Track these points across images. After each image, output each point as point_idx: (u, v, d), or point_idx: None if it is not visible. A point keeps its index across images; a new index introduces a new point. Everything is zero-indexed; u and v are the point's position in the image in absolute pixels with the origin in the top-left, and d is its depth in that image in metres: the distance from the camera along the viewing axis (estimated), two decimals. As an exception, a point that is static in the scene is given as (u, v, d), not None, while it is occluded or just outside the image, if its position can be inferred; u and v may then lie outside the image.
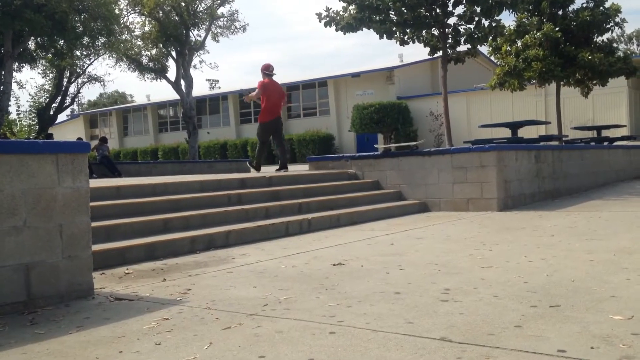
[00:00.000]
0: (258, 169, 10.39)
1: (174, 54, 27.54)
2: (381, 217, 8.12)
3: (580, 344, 2.50)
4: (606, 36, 17.75)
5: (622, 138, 16.80)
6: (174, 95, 30.60)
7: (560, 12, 17.39)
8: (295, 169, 17.80)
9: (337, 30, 13.23)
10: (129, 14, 26.33)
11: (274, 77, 10.47)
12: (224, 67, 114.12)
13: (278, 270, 4.54)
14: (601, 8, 16.98)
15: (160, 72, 28.20)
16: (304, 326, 2.97)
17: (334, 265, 4.67)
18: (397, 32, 13.35)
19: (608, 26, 17.10)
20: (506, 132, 13.86)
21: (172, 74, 28.08)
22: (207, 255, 5.38)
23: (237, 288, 3.96)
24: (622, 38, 57.05)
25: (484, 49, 18.09)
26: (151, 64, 28.16)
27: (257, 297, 3.66)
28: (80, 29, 20.76)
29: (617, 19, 17.05)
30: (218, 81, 53.27)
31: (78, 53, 24.11)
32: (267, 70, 10.24)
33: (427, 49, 14.17)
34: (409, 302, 3.38)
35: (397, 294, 3.58)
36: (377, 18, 12.91)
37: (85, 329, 3.11)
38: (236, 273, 4.50)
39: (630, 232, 5.80)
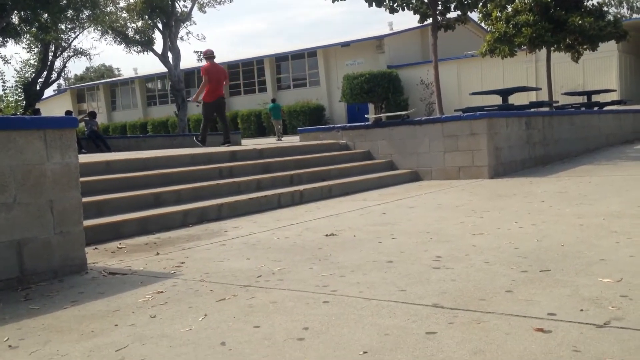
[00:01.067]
0: (204, 144, 11.19)
1: (160, 25, 27.11)
2: (373, 187, 8.14)
3: (570, 307, 2.54)
4: (596, 0, 17.64)
5: (612, 103, 16.84)
6: (162, 68, 30.24)
7: (550, -24, 17.21)
8: (286, 140, 17.76)
9: (325, -2, 13.06)
10: (113, -15, 25.80)
11: (215, 60, 11.46)
12: (211, 38, 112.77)
13: (271, 242, 4.56)
14: (591, -29, 16.84)
15: (146, 44, 27.79)
16: (298, 296, 2.99)
17: (326, 235, 4.69)
18: None
19: (598, -11, 16.99)
20: (497, 99, 13.85)
21: (159, 46, 27.69)
22: (199, 229, 5.39)
23: (230, 260, 3.97)
24: (612, 2, 56.69)
25: (474, 15, 17.95)
26: (137, 37, 27.72)
27: (250, 268, 3.68)
28: (64, 1, 20.35)
29: (608, -18, 16.91)
30: (206, 53, 52.45)
31: (62, 26, 23.68)
32: (207, 54, 11.29)
33: (417, 17, 14.02)
34: (402, 270, 3.41)
35: (390, 263, 3.61)
36: (366, -15, 12.74)
37: (79, 303, 3.12)
38: (229, 245, 4.51)
39: (620, 196, 5.85)
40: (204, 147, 10.65)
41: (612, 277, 2.96)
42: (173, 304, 3.00)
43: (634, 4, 61.78)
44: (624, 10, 60.93)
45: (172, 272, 3.71)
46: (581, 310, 2.49)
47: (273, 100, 26.36)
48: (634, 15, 56.91)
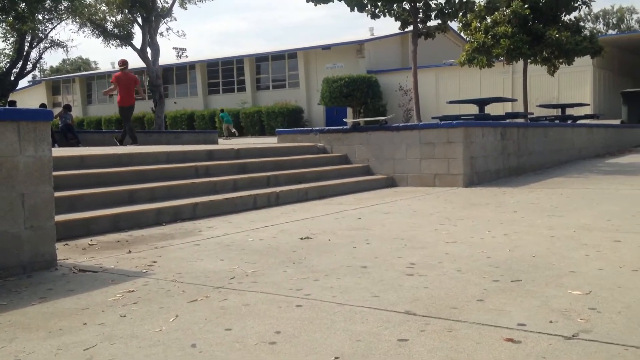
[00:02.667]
0: (135, 142, 12.83)
1: (139, 20, 26.80)
2: (349, 191, 8.16)
3: (540, 318, 2.58)
4: (574, 15, 17.95)
5: (586, 117, 17.16)
6: (140, 64, 29.88)
7: (529, -10, 17.47)
8: (263, 141, 17.70)
9: (307, 1, 13.06)
10: (93, -23, 25.45)
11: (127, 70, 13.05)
12: (192, 35, 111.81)
13: (245, 243, 4.54)
14: (569, -14, 17.12)
15: (125, 38, 27.45)
16: (271, 299, 2.98)
17: (301, 239, 4.68)
18: (369, 5, 13.23)
19: (576, 4, 17.26)
20: (474, 109, 14.00)
21: (138, 41, 27.37)
22: (173, 228, 5.34)
23: (203, 261, 3.94)
24: (589, 17, 57.83)
25: (454, 24, 18.12)
26: (116, 30, 27.36)
27: (224, 270, 3.66)
28: (43, -9, 20.01)
29: (585, -2, 17.22)
30: (185, 50, 52.18)
31: (40, 17, 23.28)
32: (120, 64, 13.01)
33: (398, 23, 14.10)
34: (375, 276, 3.42)
35: (364, 268, 3.62)
36: (349, -10, 12.77)
37: (48, 300, 3.06)
38: (203, 246, 4.48)
39: (591, 209, 5.97)
40: (137, 145, 12.06)
41: (581, 289, 3.01)
42: (144, 303, 2.96)
43: (610, 21, 63.15)
44: (600, 26, 62.26)
45: (144, 271, 3.67)
46: (550, 321, 2.52)
47: (222, 110, 31.77)
48: (610, 31, 58.20)
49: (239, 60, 37.72)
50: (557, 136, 12.04)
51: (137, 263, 3.90)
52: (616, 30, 60.59)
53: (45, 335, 2.53)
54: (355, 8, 13.03)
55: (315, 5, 13.12)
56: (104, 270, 3.72)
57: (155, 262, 3.92)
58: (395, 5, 13.46)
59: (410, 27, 13.86)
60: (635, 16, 63.69)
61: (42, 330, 2.59)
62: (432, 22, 14.05)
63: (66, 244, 4.51)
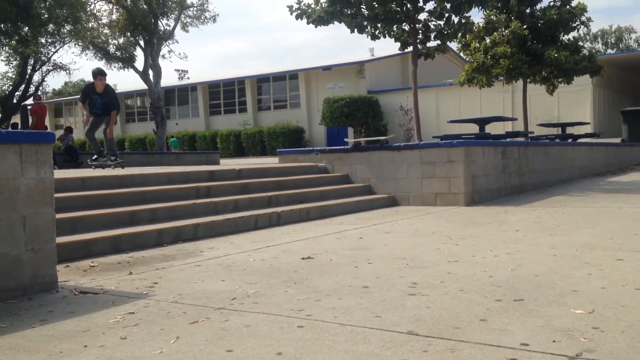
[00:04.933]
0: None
1: (142, 43, 27.07)
2: (350, 210, 8.15)
3: (543, 337, 2.56)
4: (572, 35, 18.13)
5: (586, 135, 17.20)
6: (142, 85, 30.13)
7: (528, 10, 17.66)
8: (265, 161, 17.75)
9: (308, 23, 13.18)
10: (95, 1, 25.77)
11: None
12: (194, 57, 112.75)
13: (247, 264, 4.53)
14: (568, 7, 17.31)
15: (127, 61, 27.69)
16: (272, 320, 2.97)
17: (303, 259, 4.67)
18: (368, 27, 13.36)
19: (574, 25, 17.45)
20: (474, 128, 14.05)
21: (140, 63, 27.62)
22: (174, 249, 5.33)
23: (205, 282, 3.93)
24: (587, 37, 58.27)
25: (454, 45, 18.29)
26: (118, 53, 27.62)
27: (225, 290, 3.65)
28: (46, 15, 20.25)
29: (583, 18, 17.41)
30: (187, 72, 52.43)
31: (43, 40, 23.50)
32: (36, 99, 15.03)
33: (398, 44, 14.22)
34: (377, 296, 3.40)
35: (366, 288, 3.60)
36: (349, 12, 12.89)
37: (49, 322, 3.05)
38: (204, 266, 4.47)
39: (592, 228, 5.95)
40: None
41: (584, 308, 2.99)
42: (144, 325, 2.95)
43: (609, 40, 63.60)
44: (599, 46, 62.69)
45: (145, 292, 3.66)
46: (553, 341, 2.50)
47: (172, 136, 33.74)
48: (608, 51, 58.58)
49: (241, 81, 37.98)
50: (558, 155, 12.05)
51: (138, 284, 3.88)
52: (615, 49, 61.01)
53: (45, 357, 2.51)
54: (356, 29, 13.14)
55: (316, 27, 13.24)
56: (105, 292, 3.71)
57: (156, 283, 3.91)
58: (394, 26, 13.59)
59: (410, 48, 13.98)
60: (634, 35, 64.23)
61: (42, 353, 2.57)
62: (432, 43, 14.16)
63: (67, 266, 4.50)
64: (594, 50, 19.61)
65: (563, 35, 17.84)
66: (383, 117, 30.63)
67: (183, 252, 5.12)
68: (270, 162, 13.52)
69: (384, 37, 13.80)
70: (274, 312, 3.10)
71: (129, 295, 3.60)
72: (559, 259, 4.36)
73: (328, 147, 10.75)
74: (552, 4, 17.51)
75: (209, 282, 3.90)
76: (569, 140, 15.16)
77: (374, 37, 13.67)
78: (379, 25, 13.40)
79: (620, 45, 62.96)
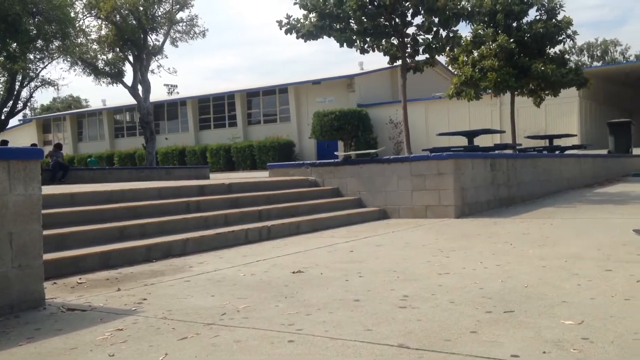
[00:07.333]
0: None
1: (131, 58, 27.06)
2: (341, 224, 8.15)
3: (533, 349, 2.56)
4: (558, 48, 18.32)
5: (573, 147, 17.33)
6: (131, 100, 30.06)
7: (514, 24, 17.85)
8: (255, 175, 17.73)
9: (297, 37, 13.25)
10: (85, 17, 25.76)
11: None
12: (183, 72, 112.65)
13: (237, 279, 4.50)
14: (554, 20, 17.51)
15: (116, 76, 27.65)
16: (263, 335, 2.95)
17: (293, 273, 4.66)
18: (357, 41, 13.45)
19: (560, 38, 17.65)
20: (463, 140, 14.11)
21: (129, 78, 27.61)
22: (164, 264, 5.29)
23: (194, 297, 3.90)
24: (573, 50, 58.89)
25: (442, 58, 18.42)
26: (107, 68, 27.58)
27: (215, 306, 3.62)
28: (34, 32, 20.20)
29: (569, 31, 17.61)
30: (176, 86, 52.43)
31: (31, 56, 23.42)
32: None
33: (387, 58, 14.33)
34: (368, 309, 3.40)
35: (357, 301, 3.59)
36: (338, 26, 12.98)
37: (36, 340, 3.01)
38: (194, 282, 4.44)
39: (581, 239, 5.98)
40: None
41: (573, 319, 3.00)
42: (133, 342, 2.92)
43: (594, 53, 64.40)
44: (585, 58, 63.45)
45: (134, 308, 3.63)
46: (544, 352, 2.51)
47: (90, 156, 34.99)
48: (595, 63, 59.30)
49: (230, 95, 38.02)
50: (546, 167, 12.13)
51: (127, 301, 3.85)
52: (601, 62, 61.77)
53: (32, 376, 2.48)
54: (345, 44, 13.22)
55: (305, 41, 13.31)
56: (93, 308, 3.67)
57: (145, 299, 3.87)
58: (383, 40, 13.69)
59: (399, 62, 14.07)
60: (619, 48, 65.07)
61: (29, 372, 2.54)
62: (421, 57, 14.27)
63: (55, 283, 4.46)
64: (580, 63, 19.90)
65: (550, 49, 18.03)
66: (373, 130, 30.72)
67: (172, 268, 5.09)
68: (261, 176, 13.51)
69: (373, 50, 13.90)
70: (264, 327, 3.09)
71: (117, 311, 3.57)
72: (548, 270, 4.38)
73: (318, 161, 10.76)
74: (538, 17, 17.72)
75: (198, 298, 3.88)
76: (557, 152, 15.27)
77: (363, 51, 13.76)
78: (367, 39, 13.50)
79: (606, 58, 63.77)
